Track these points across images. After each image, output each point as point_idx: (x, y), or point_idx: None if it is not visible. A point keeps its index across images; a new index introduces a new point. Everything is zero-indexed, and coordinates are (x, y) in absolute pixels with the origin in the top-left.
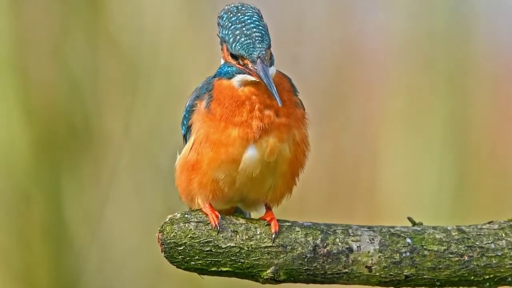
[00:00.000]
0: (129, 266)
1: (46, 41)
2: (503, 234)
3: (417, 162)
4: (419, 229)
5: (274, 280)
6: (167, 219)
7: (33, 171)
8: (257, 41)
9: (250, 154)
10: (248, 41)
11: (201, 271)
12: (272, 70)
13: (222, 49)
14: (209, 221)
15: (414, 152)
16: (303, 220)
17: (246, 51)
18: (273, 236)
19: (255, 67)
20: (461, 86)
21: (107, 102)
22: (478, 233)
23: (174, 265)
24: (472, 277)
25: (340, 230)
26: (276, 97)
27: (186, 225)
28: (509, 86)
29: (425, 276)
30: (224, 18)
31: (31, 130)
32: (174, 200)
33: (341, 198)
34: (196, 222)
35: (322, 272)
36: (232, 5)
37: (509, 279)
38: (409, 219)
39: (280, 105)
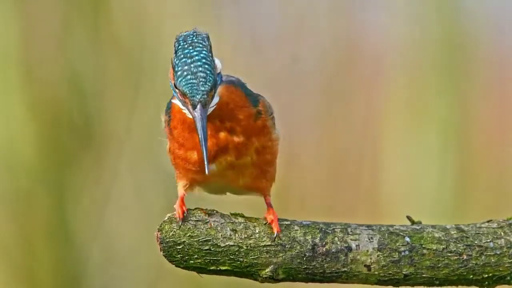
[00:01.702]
0: (130, 264)
1: (49, 39)
2: (502, 233)
3: (417, 161)
4: (418, 228)
5: (272, 279)
6: (166, 218)
7: (35, 169)
8: (201, 83)
9: (212, 169)
10: (194, 81)
11: (200, 270)
12: (214, 101)
13: (171, 69)
14: (207, 220)
15: (415, 151)
16: (302, 219)
17: (190, 91)
18: (274, 236)
19: (194, 113)
20: (462, 86)
21: (109, 101)
22: (477, 232)
23: (173, 264)
24: (471, 276)
25: (339, 229)
26: (205, 159)
27: (185, 224)
28: (509, 86)
29: (424, 275)
30: (179, 46)
31: (34, 128)
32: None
33: (342, 197)
34: (195, 221)
35: (321, 271)
36: (191, 32)
37: (508, 278)
38: (408, 218)
39: (207, 173)
